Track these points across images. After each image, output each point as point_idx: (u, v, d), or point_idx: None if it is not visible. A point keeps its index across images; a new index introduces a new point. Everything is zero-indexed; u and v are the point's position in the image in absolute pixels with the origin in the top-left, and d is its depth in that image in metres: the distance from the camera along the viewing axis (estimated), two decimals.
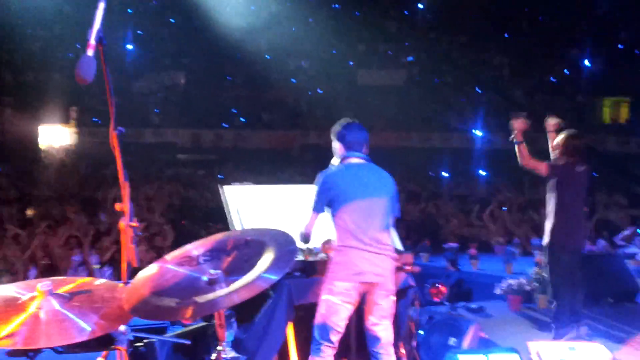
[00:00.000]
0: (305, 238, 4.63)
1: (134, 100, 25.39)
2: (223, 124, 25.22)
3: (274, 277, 2.96)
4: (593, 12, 25.35)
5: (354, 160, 4.66)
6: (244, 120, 25.48)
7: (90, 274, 8.07)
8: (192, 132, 24.70)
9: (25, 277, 8.10)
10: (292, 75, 25.92)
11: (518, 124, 6.28)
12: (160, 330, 6.05)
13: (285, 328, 4.94)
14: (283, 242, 3.15)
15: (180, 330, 5.79)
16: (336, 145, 4.76)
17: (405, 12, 27.65)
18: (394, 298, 4.61)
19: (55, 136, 25.43)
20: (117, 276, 8.47)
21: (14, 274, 8.47)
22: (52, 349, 3.00)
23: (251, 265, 3.02)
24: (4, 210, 12.45)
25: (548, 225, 6.47)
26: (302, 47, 26.28)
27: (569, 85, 25.62)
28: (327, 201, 4.54)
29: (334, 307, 4.46)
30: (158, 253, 8.89)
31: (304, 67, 26.63)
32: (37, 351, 2.95)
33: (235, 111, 25.78)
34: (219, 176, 18.85)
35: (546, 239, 6.51)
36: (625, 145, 24.06)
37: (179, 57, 27.40)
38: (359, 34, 26.46)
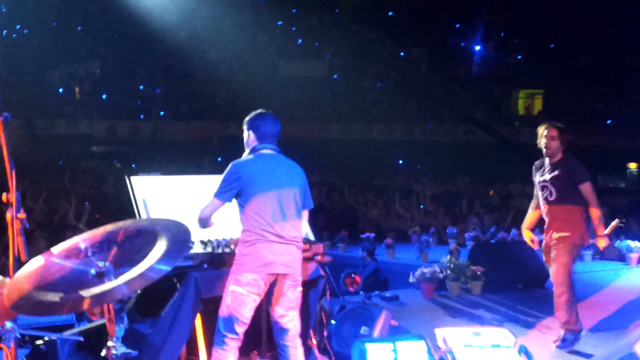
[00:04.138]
0: (203, 222, 4.46)
1: (46, 91, 24.48)
2: (140, 115, 24.60)
3: (166, 268, 2.85)
4: (508, 5, 25.98)
5: (265, 151, 4.59)
6: (162, 111, 24.91)
7: None
8: (107, 124, 23.96)
9: None
10: (212, 66, 25.51)
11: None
12: (68, 327, 5.83)
13: (192, 321, 4.85)
14: (176, 232, 3.02)
15: (86, 326, 5.59)
16: (248, 136, 4.66)
17: (327, 4, 27.65)
18: (301, 289, 4.58)
19: None
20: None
21: None
22: None
23: (142, 256, 2.89)
24: None
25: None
26: (222, 38, 25.93)
27: (485, 77, 26.19)
28: (236, 191, 4.44)
29: (241, 298, 4.39)
30: None
31: (224, 58, 26.26)
32: None
33: (152, 102, 25.20)
34: (132, 166, 18.43)
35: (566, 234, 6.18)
36: None
37: (94, 47, 26.58)
38: (281, 25, 26.33)
